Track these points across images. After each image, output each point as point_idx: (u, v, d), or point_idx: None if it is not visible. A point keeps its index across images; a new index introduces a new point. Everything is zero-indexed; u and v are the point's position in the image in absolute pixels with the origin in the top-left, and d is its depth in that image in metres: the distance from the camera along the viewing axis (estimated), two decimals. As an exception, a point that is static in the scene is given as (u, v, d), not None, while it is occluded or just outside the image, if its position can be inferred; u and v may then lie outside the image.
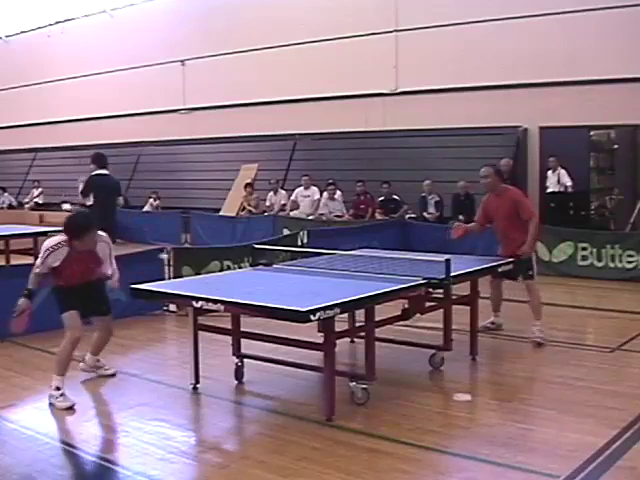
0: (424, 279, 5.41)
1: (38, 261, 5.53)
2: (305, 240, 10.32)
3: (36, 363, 6.45)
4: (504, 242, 7.19)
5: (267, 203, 15.37)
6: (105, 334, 5.95)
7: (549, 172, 12.79)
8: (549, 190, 12.75)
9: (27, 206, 20.07)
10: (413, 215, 13.60)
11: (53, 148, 21.51)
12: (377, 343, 5.37)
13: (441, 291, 5.72)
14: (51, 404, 5.27)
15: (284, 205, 15.11)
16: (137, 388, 5.82)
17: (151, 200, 17.00)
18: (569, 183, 12.49)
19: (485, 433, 4.69)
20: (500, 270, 6.70)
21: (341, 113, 15.67)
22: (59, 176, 20.30)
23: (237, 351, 5.83)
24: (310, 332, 5.06)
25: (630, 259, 10.38)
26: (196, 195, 17.46)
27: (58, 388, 5.28)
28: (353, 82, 15.44)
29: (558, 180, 12.59)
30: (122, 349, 6.99)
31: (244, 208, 15.71)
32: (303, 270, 6.11)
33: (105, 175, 10.14)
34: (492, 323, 7.49)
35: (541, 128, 13.42)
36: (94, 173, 10.07)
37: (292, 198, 14.99)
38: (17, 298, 7.21)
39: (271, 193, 15.41)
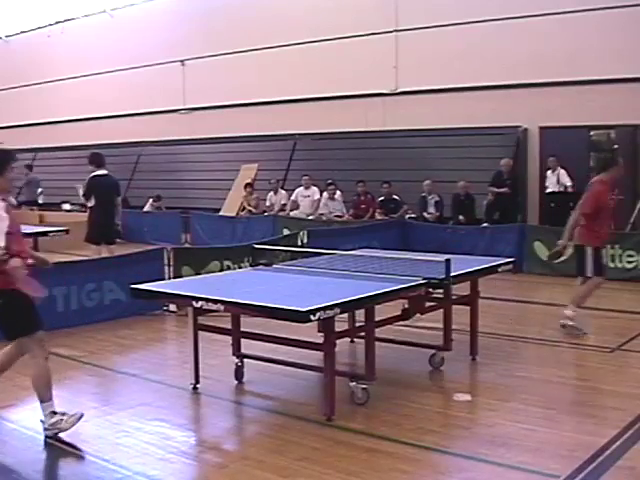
0: (424, 279, 5.41)
1: None
2: (305, 240, 10.33)
3: (36, 363, 6.44)
4: None
5: (267, 203, 15.37)
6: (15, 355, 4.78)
7: (548, 172, 12.79)
8: (549, 190, 12.75)
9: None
10: (413, 215, 13.60)
11: (53, 148, 21.51)
12: (377, 343, 5.37)
13: (441, 291, 5.72)
14: (56, 434, 4.58)
15: (284, 205, 15.11)
16: (137, 388, 5.82)
17: (151, 201, 17.01)
18: (569, 183, 12.49)
19: (485, 433, 4.69)
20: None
21: (341, 113, 15.67)
22: (59, 176, 20.29)
23: (237, 351, 5.84)
24: (310, 332, 5.07)
25: (630, 259, 10.38)
26: (196, 195, 17.46)
27: (54, 412, 4.61)
28: (353, 82, 15.44)
29: (558, 180, 12.59)
30: (122, 349, 7.00)
31: (244, 208, 15.71)
32: (303, 270, 6.11)
33: (105, 175, 10.15)
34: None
35: (541, 128, 13.42)
36: (94, 174, 10.08)
37: (292, 198, 14.99)
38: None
39: (271, 193, 15.41)
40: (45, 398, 4.60)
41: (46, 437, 4.61)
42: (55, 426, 4.59)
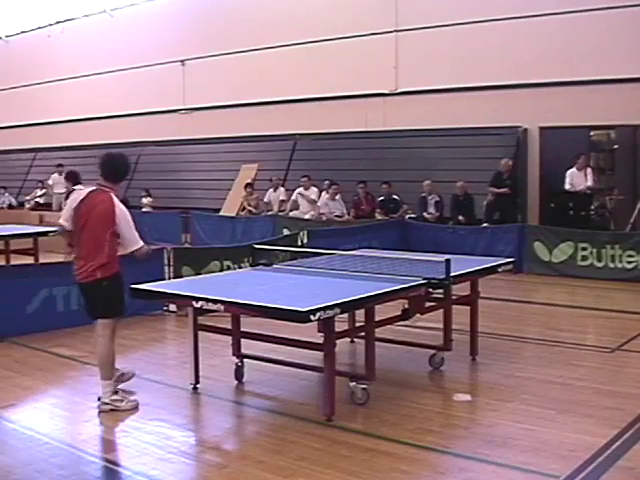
0: (424, 279, 5.41)
1: None
2: (305, 240, 10.33)
3: (36, 363, 6.45)
4: None
5: (265, 200, 15.35)
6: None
7: (572, 170, 12.31)
8: (571, 190, 12.20)
9: (28, 205, 20.07)
10: (413, 215, 13.60)
11: (53, 148, 21.50)
12: (377, 343, 5.37)
13: (441, 291, 5.72)
14: (111, 410, 5.10)
15: (283, 202, 15.07)
16: (137, 388, 5.82)
17: (144, 199, 17.11)
18: (590, 183, 12.22)
19: (485, 433, 4.69)
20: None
21: (341, 113, 15.66)
22: (59, 176, 20.30)
23: (237, 351, 5.84)
24: (310, 332, 5.07)
25: (630, 259, 10.39)
26: (196, 195, 17.46)
27: (116, 391, 5.20)
28: (353, 82, 15.44)
29: (585, 179, 12.18)
30: (122, 349, 6.97)
31: (244, 208, 15.71)
32: (303, 270, 6.11)
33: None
34: None
35: (541, 128, 13.40)
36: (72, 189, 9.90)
37: (292, 198, 14.98)
38: (17, 298, 7.28)
39: (271, 190, 15.40)
40: (109, 376, 5.18)
41: (100, 412, 5.09)
42: (115, 403, 5.12)
